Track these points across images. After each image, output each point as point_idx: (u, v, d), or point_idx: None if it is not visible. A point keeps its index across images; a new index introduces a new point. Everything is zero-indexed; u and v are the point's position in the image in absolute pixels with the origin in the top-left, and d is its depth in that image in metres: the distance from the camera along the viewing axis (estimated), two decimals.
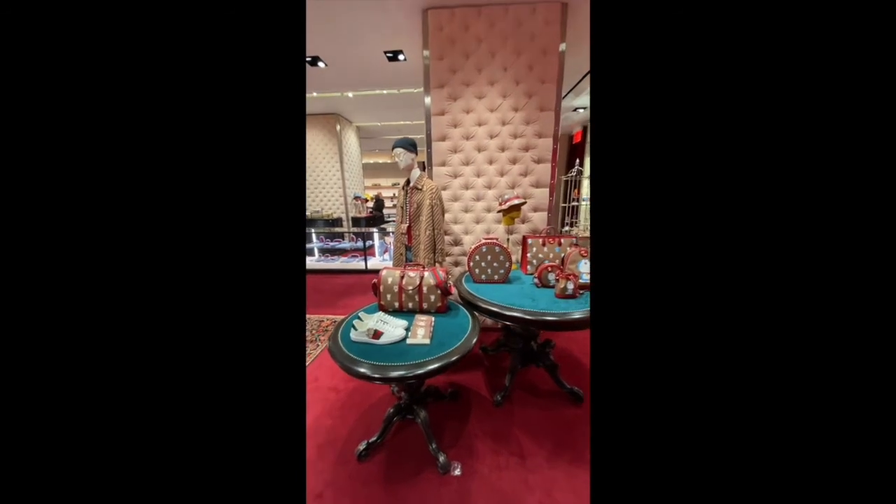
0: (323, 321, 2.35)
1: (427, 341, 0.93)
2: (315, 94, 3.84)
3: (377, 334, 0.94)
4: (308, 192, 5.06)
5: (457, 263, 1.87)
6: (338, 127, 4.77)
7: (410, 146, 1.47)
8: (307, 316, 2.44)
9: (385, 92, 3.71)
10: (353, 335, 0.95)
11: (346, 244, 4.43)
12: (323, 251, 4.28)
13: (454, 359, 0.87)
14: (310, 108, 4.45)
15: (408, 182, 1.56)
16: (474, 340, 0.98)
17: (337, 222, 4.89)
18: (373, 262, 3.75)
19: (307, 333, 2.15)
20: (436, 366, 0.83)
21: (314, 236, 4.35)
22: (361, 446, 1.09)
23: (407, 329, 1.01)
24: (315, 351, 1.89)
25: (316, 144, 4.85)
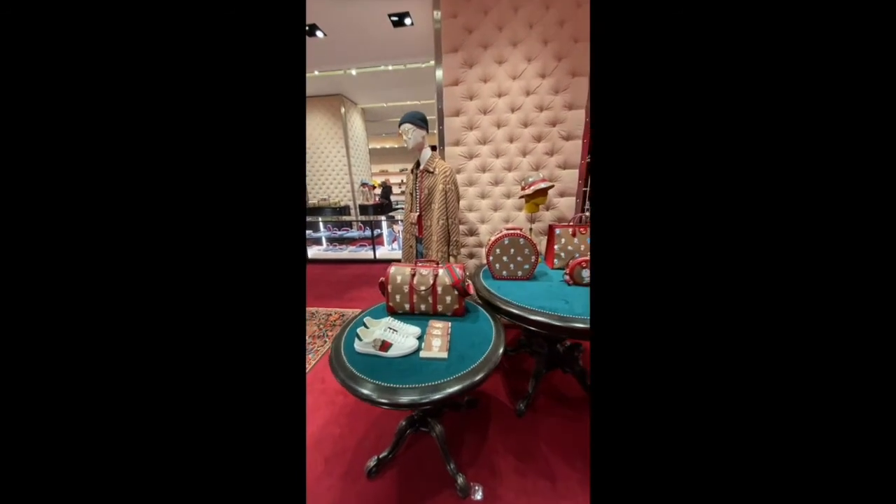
0: (331, 315, 2.27)
1: (444, 355, 0.78)
2: (317, 72, 3.62)
3: (385, 346, 0.79)
4: (314, 178, 4.92)
5: (472, 255, 1.70)
6: (342, 109, 4.53)
7: (420, 122, 1.26)
8: (315, 309, 2.36)
9: (391, 67, 3.44)
10: (358, 346, 0.82)
11: (353, 233, 4.31)
12: (330, 240, 4.18)
13: (478, 378, 0.72)
14: (311, 89, 4.22)
15: (417, 165, 1.37)
16: (500, 351, 0.83)
17: (344, 210, 4.76)
18: (381, 252, 3.63)
19: (315, 328, 2.07)
20: (456, 388, 0.68)
21: (321, 225, 4.25)
22: (371, 462, 0.99)
23: (420, 338, 0.86)
24: (323, 348, 1.80)
25: (320, 128, 4.64)
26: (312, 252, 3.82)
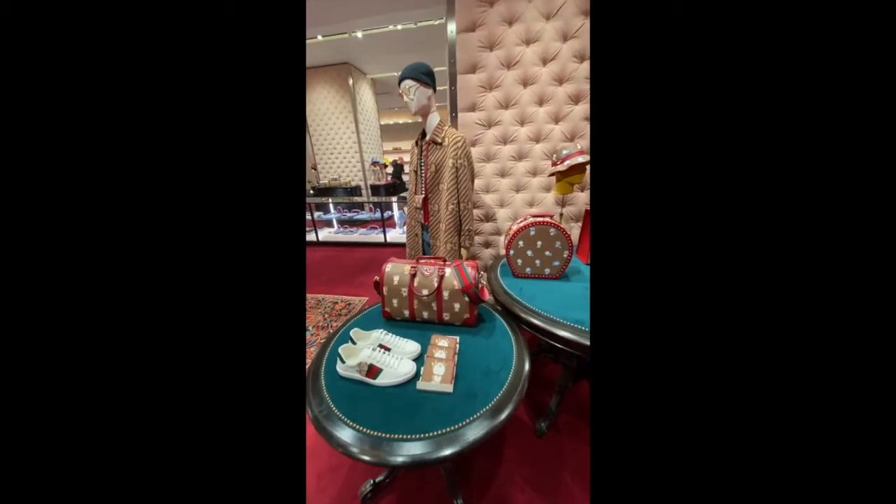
0: (337, 303, 2.16)
1: (448, 388, 0.59)
2: (320, 37, 3.30)
3: (373, 371, 0.61)
4: (323, 157, 4.74)
5: (487, 244, 1.47)
6: (350, 80, 4.21)
7: (425, 76, 0.99)
8: (322, 296, 2.26)
9: (400, 27, 3.06)
10: (340, 368, 0.64)
11: (364, 215, 4.15)
12: (341, 222, 4.06)
13: (498, 421, 0.53)
14: (316, 58, 3.91)
15: (423, 135, 1.12)
16: (525, 372, 0.63)
17: (355, 191, 4.59)
18: (392, 235, 3.46)
19: (321, 317, 1.97)
20: (463, 445, 0.50)
21: (331, 206, 4.11)
22: (367, 486, 0.86)
23: (418, 359, 0.67)
24: None
25: (328, 102, 4.37)
26: (323, 234, 3.73)
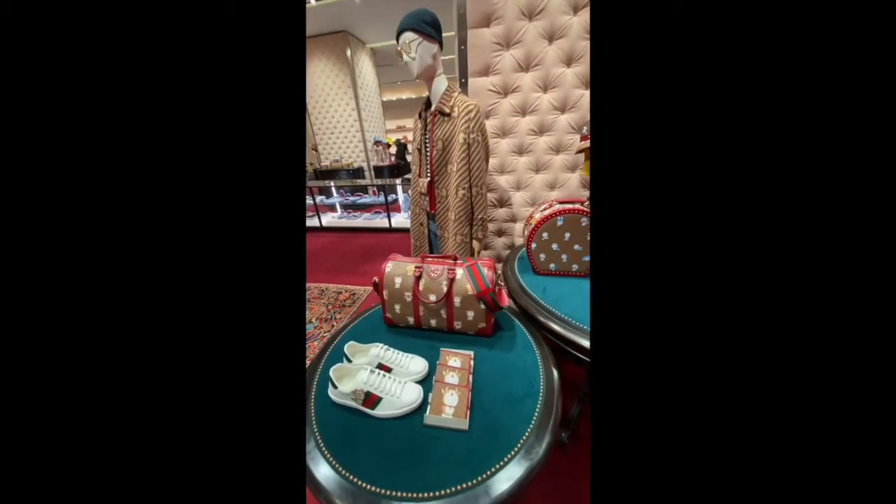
0: (341, 293, 2.08)
1: (463, 424, 0.48)
2: (314, 1, 2.99)
3: (370, 400, 0.50)
4: (324, 138, 4.52)
5: (501, 233, 1.32)
6: (348, 51, 3.89)
7: (428, 27, 0.80)
8: (325, 286, 2.18)
9: None
10: (333, 394, 0.54)
11: (367, 198, 3.99)
12: (344, 207, 3.92)
13: (530, 466, 0.42)
14: (311, 26, 3.59)
15: (427, 105, 0.94)
16: (555, 394, 0.51)
17: (358, 173, 4.40)
18: (397, 220, 3.32)
19: (324, 308, 1.90)
20: (493, 501, 0.39)
21: (334, 191, 3.96)
22: None
23: (426, 380, 0.56)
24: (329, 334, 1.63)
25: (325, 76, 4.08)
26: (326, 220, 3.62)
